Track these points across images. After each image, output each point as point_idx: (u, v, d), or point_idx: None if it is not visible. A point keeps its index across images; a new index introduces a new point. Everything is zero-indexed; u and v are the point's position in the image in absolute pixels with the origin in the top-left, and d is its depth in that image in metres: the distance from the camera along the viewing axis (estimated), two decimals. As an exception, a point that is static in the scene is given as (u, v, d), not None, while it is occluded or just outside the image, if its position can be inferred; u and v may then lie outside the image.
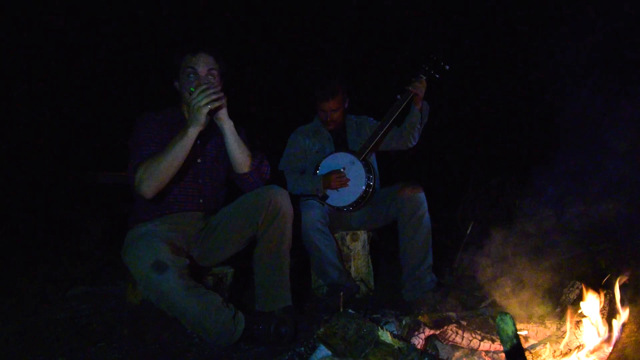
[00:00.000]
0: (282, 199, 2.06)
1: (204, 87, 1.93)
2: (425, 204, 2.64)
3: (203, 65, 2.07)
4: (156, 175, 1.90)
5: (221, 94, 1.97)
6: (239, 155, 2.09)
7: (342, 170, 2.77)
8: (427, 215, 2.62)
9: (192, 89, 1.97)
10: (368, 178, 2.74)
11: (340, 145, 2.98)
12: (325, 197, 2.78)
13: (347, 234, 2.85)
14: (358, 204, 2.76)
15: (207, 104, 1.90)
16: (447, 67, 2.73)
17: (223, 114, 2.02)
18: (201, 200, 2.20)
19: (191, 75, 2.07)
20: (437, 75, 2.75)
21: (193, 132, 1.92)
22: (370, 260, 2.85)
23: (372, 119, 3.09)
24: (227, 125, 2.04)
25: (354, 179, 2.76)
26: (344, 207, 2.77)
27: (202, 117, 1.91)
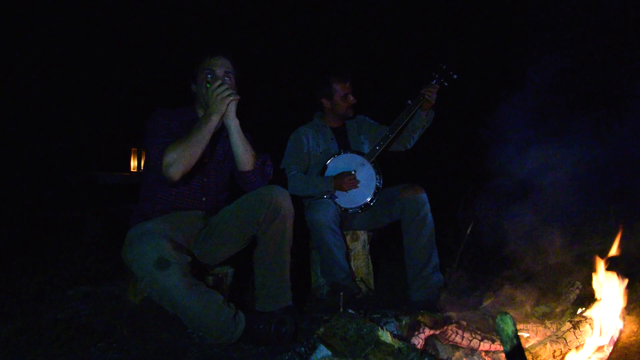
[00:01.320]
0: (283, 199, 2.07)
1: (224, 82, 2.05)
2: (428, 205, 2.65)
3: (221, 67, 2.16)
4: (184, 157, 1.96)
5: (238, 95, 2.10)
6: (243, 152, 2.14)
7: (353, 172, 2.78)
8: (430, 215, 2.63)
9: (207, 84, 2.08)
10: (377, 181, 2.76)
11: (343, 144, 2.99)
12: (334, 197, 2.78)
13: (347, 234, 2.85)
14: (367, 206, 2.77)
15: (229, 95, 2.02)
16: (455, 77, 2.80)
17: (231, 111, 2.09)
18: (204, 199, 2.23)
19: (209, 75, 2.15)
20: (446, 84, 2.82)
21: (215, 119, 2.02)
22: (370, 260, 2.85)
23: (368, 117, 3.10)
24: (234, 123, 2.11)
25: (364, 181, 2.77)
26: (352, 208, 2.78)
27: (224, 106, 2.02)
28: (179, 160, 1.95)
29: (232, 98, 2.04)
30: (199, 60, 2.20)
